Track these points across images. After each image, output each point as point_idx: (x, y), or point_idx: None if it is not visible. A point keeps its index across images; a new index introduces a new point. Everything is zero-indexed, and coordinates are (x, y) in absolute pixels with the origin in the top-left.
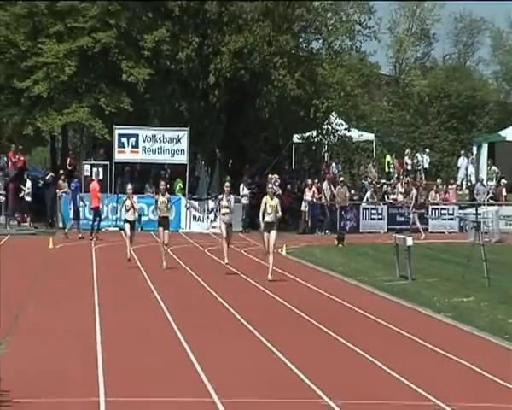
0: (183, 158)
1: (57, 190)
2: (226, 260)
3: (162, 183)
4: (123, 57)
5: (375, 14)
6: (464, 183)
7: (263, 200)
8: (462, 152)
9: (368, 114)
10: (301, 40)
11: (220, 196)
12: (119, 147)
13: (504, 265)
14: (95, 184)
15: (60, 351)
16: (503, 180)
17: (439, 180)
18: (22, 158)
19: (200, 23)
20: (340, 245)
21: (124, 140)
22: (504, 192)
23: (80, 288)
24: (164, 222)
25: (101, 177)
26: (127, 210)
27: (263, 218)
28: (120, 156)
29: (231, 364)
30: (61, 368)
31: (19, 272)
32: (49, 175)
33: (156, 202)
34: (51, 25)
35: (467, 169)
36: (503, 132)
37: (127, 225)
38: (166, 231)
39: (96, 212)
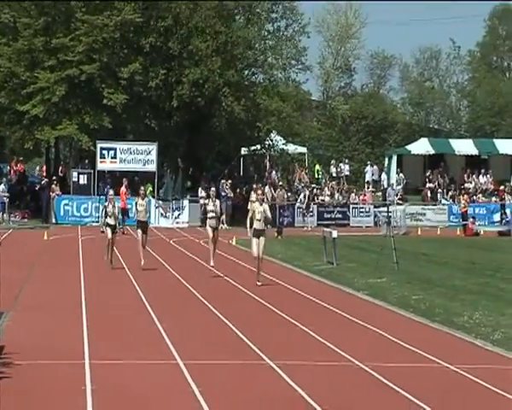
0: (152, 167)
1: (51, 193)
2: (212, 263)
3: (142, 188)
4: (104, 85)
5: (307, 51)
6: (370, 186)
7: (251, 206)
8: (369, 162)
9: (301, 132)
10: (246, 73)
11: (206, 201)
12: (100, 158)
13: (410, 253)
14: (123, 189)
15: (52, 323)
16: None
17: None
18: (22, 166)
19: (165, 58)
20: (279, 237)
21: (105, 152)
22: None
23: (69, 271)
24: (144, 227)
25: (86, 182)
26: (109, 216)
27: (251, 224)
28: (102, 165)
29: (192, 333)
30: (53, 336)
31: (19, 259)
32: (44, 181)
33: (136, 204)
34: (46, 59)
35: (372, 175)
36: (408, 147)
37: (109, 230)
38: (144, 236)
39: (123, 211)
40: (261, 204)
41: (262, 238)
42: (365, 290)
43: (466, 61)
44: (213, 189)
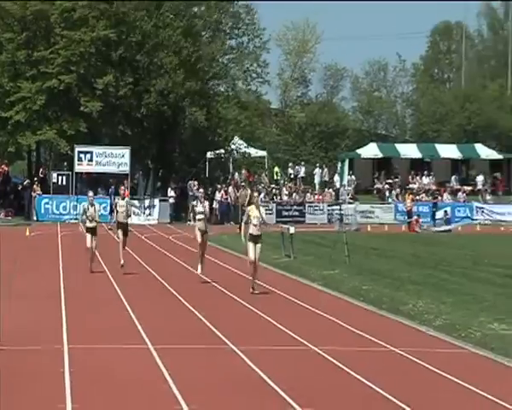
0: (125, 169)
1: (32, 193)
2: (199, 271)
3: (122, 188)
4: (81, 94)
5: (268, 64)
6: (318, 186)
7: (246, 210)
8: (317, 165)
9: (262, 137)
10: (210, 84)
11: (194, 203)
12: (78, 160)
13: (360, 247)
14: (126, 191)
15: (34, 310)
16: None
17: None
18: (6, 168)
19: (134, 70)
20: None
21: (82, 155)
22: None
23: (49, 264)
24: (124, 228)
25: (64, 183)
26: (89, 220)
27: (245, 229)
28: (79, 168)
29: (161, 320)
30: (35, 323)
31: (3, 254)
32: (26, 181)
33: (116, 205)
34: (28, 70)
35: (320, 177)
36: (358, 151)
37: (88, 237)
38: (124, 237)
39: None
40: (257, 207)
41: (259, 245)
42: (320, 281)
43: (410, 73)
44: (202, 190)
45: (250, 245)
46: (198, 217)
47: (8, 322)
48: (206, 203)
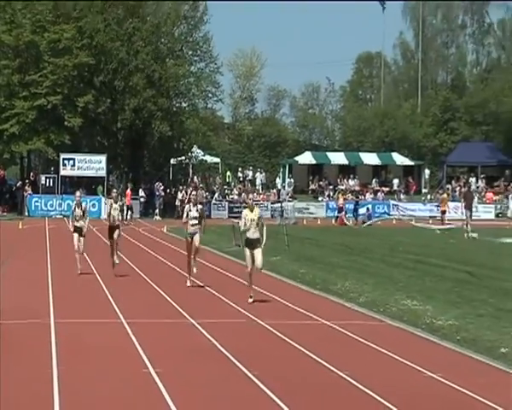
0: (102, 173)
1: (24, 193)
2: (188, 284)
3: (114, 190)
4: (65, 111)
5: (221, 85)
6: (261, 187)
7: (242, 214)
8: (259, 170)
9: (216, 146)
10: (175, 102)
11: (187, 207)
12: (63, 166)
13: (297, 238)
14: (128, 191)
15: (26, 290)
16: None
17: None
18: (2, 172)
19: (111, 92)
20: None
21: (66, 162)
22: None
23: (39, 252)
24: (114, 230)
25: (51, 184)
26: (76, 220)
27: (244, 233)
28: (64, 172)
29: (132, 299)
30: (25, 300)
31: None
32: (19, 183)
33: (111, 206)
34: (21, 91)
35: (260, 179)
36: (296, 158)
37: (76, 236)
38: (117, 241)
39: (129, 207)
40: (252, 210)
41: (257, 250)
42: (265, 266)
43: (339, 94)
44: (194, 192)
45: (247, 252)
46: (192, 222)
47: (3, 300)
48: (200, 207)
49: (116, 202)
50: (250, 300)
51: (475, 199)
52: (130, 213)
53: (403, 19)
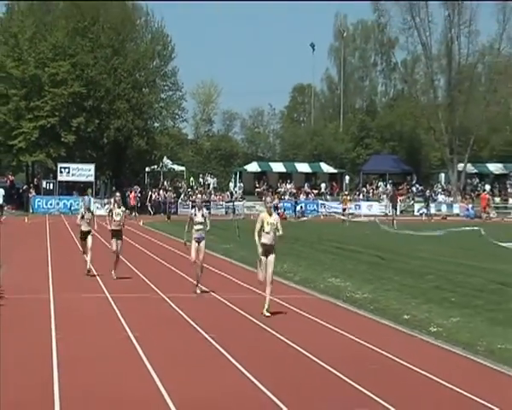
0: (91, 178)
1: (29, 194)
2: (198, 291)
3: (117, 194)
4: (62, 130)
5: (186, 110)
6: (213, 190)
7: (259, 217)
8: (211, 176)
9: (182, 157)
10: (149, 122)
11: (192, 211)
12: (60, 173)
13: (247, 230)
14: (132, 194)
15: (30, 272)
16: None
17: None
18: (12, 178)
19: (99, 114)
20: (169, 221)
21: (62, 170)
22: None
23: (41, 241)
24: (118, 236)
25: (51, 188)
26: (86, 223)
27: (259, 238)
28: (60, 178)
29: (118, 279)
30: (30, 280)
31: (10, 233)
32: (25, 186)
33: (110, 211)
34: (27, 114)
35: (213, 184)
36: (245, 167)
37: (83, 242)
38: (119, 242)
39: (132, 207)
40: (271, 214)
41: (271, 256)
42: (220, 252)
43: (278, 116)
44: (200, 196)
45: (262, 259)
46: (197, 227)
47: (11, 279)
48: (205, 211)
49: (119, 207)
50: (266, 313)
51: (398, 199)
52: (134, 212)
53: (328, 58)
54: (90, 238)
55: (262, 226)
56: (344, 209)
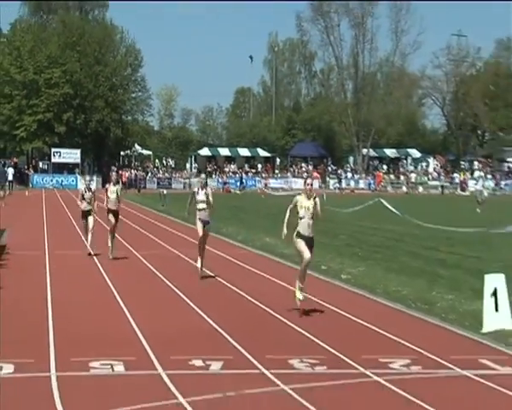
0: (78, 160)
1: (29, 173)
2: (199, 265)
3: (113, 172)
4: (55, 123)
5: (152, 106)
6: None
7: (295, 199)
8: (172, 158)
9: (149, 144)
10: (124, 116)
11: (195, 190)
12: (53, 156)
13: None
14: (124, 173)
15: (29, 231)
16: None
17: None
18: (16, 160)
19: (84, 110)
20: (139, 193)
21: (55, 153)
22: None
23: (38, 208)
24: (115, 214)
25: (46, 167)
26: (87, 202)
27: (288, 225)
28: (54, 160)
29: (98, 239)
30: (29, 239)
31: (14, 203)
32: (26, 167)
33: (106, 190)
34: (27, 110)
35: (173, 164)
36: (199, 151)
37: (84, 221)
38: (115, 224)
39: (124, 184)
40: (310, 198)
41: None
42: (179, 218)
43: (225, 112)
44: (203, 175)
45: (301, 244)
46: (199, 206)
47: (14, 239)
48: (209, 190)
49: (115, 185)
50: (299, 300)
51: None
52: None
53: (263, 67)
54: (90, 219)
55: (296, 210)
56: (265, 184)
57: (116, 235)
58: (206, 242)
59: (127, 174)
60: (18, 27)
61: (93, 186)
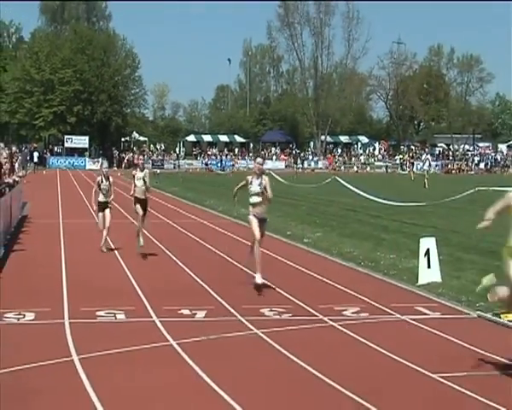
0: (86, 145)
1: (46, 156)
2: (259, 281)
3: (141, 157)
4: (67, 114)
5: (147, 101)
6: (164, 152)
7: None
8: (164, 143)
9: (145, 132)
10: (126, 108)
11: (249, 177)
12: (66, 142)
13: (187, 179)
14: (140, 157)
15: (46, 204)
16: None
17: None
18: (36, 145)
19: (91, 103)
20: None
21: (68, 139)
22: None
23: (53, 184)
24: (143, 204)
25: (60, 151)
26: (103, 193)
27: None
28: (66, 145)
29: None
30: (46, 209)
31: (34, 180)
32: (44, 151)
33: (134, 177)
34: (44, 104)
35: (164, 149)
36: (186, 138)
37: (101, 214)
38: (144, 216)
39: (136, 165)
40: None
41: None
42: (169, 193)
43: (208, 105)
44: (259, 159)
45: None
46: (253, 200)
47: (34, 210)
48: (266, 179)
49: (142, 171)
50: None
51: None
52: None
53: (240, 68)
54: (108, 212)
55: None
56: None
57: (117, 205)
58: (262, 242)
59: (139, 157)
60: (37, 36)
61: (105, 167)
